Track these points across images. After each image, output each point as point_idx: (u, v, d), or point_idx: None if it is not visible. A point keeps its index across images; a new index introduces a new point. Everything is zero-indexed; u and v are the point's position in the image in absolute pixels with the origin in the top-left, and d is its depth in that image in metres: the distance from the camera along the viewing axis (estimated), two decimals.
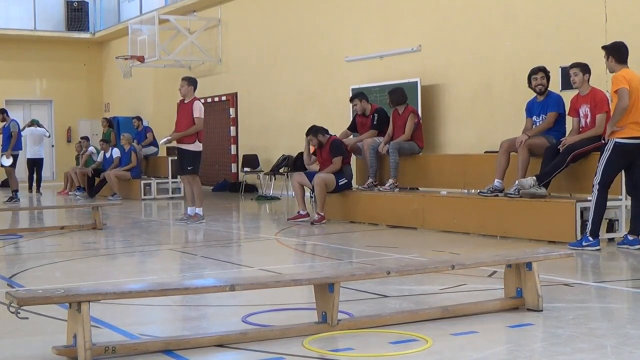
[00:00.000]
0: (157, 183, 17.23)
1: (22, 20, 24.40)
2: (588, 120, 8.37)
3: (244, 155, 18.55)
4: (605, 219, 8.02)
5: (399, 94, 11.08)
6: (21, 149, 17.17)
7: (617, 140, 7.53)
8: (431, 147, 13.06)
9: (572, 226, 8.04)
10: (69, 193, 18.42)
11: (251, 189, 18.12)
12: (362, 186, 11.20)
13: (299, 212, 11.03)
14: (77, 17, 25.34)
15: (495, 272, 6.12)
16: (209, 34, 20.21)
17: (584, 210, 8.01)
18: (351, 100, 11.91)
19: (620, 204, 8.18)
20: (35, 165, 19.01)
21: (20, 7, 24.53)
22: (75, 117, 25.81)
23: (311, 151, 11.49)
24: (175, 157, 12.25)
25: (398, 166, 10.73)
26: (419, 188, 11.14)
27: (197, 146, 11.11)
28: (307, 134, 11.13)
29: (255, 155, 18.13)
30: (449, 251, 7.92)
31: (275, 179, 16.94)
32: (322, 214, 10.77)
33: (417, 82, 13.42)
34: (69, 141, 25.47)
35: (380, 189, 10.81)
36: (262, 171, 17.65)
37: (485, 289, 5.65)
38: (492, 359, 3.89)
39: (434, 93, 13.54)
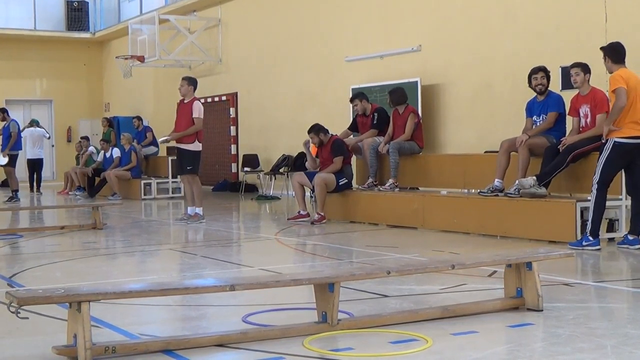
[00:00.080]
0: (157, 183, 17.23)
1: (22, 20, 24.41)
2: (588, 120, 8.37)
3: (244, 155, 18.55)
4: (606, 218, 8.03)
5: (400, 94, 11.09)
6: (20, 149, 17.15)
7: (617, 139, 7.54)
8: (431, 147, 13.06)
9: (572, 226, 8.04)
10: (69, 193, 18.42)
11: (251, 188, 18.12)
12: (362, 186, 11.20)
13: (299, 212, 11.02)
14: (77, 17, 25.35)
15: (495, 272, 6.12)
16: (209, 34, 20.21)
17: (584, 210, 8.01)
18: (351, 100, 11.91)
19: (620, 204, 8.18)
20: (35, 165, 18.99)
21: (20, 7, 24.54)
22: (75, 117, 25.82)
23: (312, 152, 11.48)
24: (175, 157, 12.25)
25: (398, 166, 10.73)
26: (419, 188, 11.14)
27: (196, 146, 11.11)
28: (310, 131, 11.13)
29: (256, 155, 18.14)
30: (449, 251, 7.92)
31: (275, 178, 16.94)
32: (322, 213, 10.77)
33: (417, 82, 13.43)
34: (69, 141, 25.48)
35: (381, 188, 10.81)
36: (262, 171, 17.65)
37: (485, 288, 5.65)
38: (492, 358, 3.88)
39: (434, 93, 13.54)
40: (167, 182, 17.26)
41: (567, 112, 8.84)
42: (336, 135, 11.33)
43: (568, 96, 9.00)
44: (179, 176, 13.62)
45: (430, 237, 9.28)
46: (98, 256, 8.37)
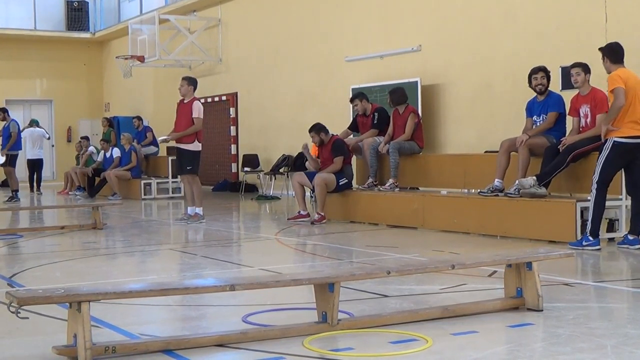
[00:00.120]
0: (157, 183, 17.23)
1: (22, 20, 24.41)
2: (588, 120, 8.37)
3: (244, 155, 18.55)
4: (606, 218, 8.03)
5: (400, 94, 11.09)
6: (20, 149, 17.15)
7: (616, 139, 7.54)
8: (431, 147, 13.06)
9: (572, 226, 8.04)
10: (69, 193, 18.42)
11: (251, 188, 18.12)
12: (362, 186, 11.20)
13: (299, 212, 11.02)
14: (77, 16, 25.35)
15: (495, 272, 6.12)
16: (209, 34, 20.21)
17: (584, 210, 8.01)
18: (351, 100, 11.91)
19: (620, 204, 8.18)
20: (35, 165, 18.99)
21: (20, 7, 24.54)
22: (75, 116, 25.82)
23: (312, 152, 11.48)
24: (175, 157, 12.25)
25: (398, 166, 10.73)
26: (419, 188, 11.15)
27: (196, 146, 11.11)
28: (311, 130, 11.13)
29: (256, 155, 18.14)
30: (449, 251, 7.92)
31: (275, 178, 16.94)
32: (322, 213, 10.77)
33: (417, 82, 13.43)
34: (69, 141, 25.48)
35: (381, 188, 10.81)
36: (262, 171, 17.65)
37: (485, 288, 5.65)
38: (492, 358, 3.88)
39: (434, 93, 13.54)
40: (167, 182, 17.26)
41: (567, 112, 8.85)
42: (337, 135, 11.33)
43: (568, 96, 9.00)
44: (178, 176, 13.63)
45: (430, 237, 9.28)
46: (98, 256, 8.37)
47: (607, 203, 7.76)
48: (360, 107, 11.48)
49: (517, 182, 8.62)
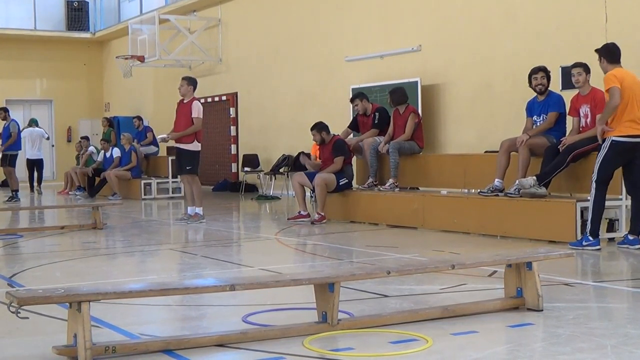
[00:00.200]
0: (157, 183, 17.23)
1: (22, 20, 24.41)
2: (588, 120, 8.37)
3: (244, 155, 18.55)
4: (606, 218, 8.03)
5: (400, 94, 11.09)
6: (20, 149, 17.15)
7: (614, 138, 7.54)
8: (431, 147, 13.06)
9: (572, 226, 8.03)
10: (69, 193, 18.42)
11: (251, 188, 18.12)
12: (362, 186, 11.20)
13: (299, 212, 11.02)
14: (77, 16, 25.34)
15: (495, 272, 6.12)
16: (209, 34, 20.21)
17: (584, 210, 8.00)
18: (352, 100, 11.90)
19: (620, 204, 8.18)
20: (35, 165, 18.99)
21: (20, 7, 24.54)
22: (75, 116, 25.82)
23: (312, 152, 11.48)
24: (175, 157, 12.24)
25: (398, 166, 10.73)
26: (419, 188, 11.14)
27: (195, 146, 11.10)
28: (312, 128, 11.13)
29: (256, 155, 18.14)
30: (449, 251, 7.92)
31: (275, 178, 16.94)
32: (322, 213, 10.77)
33: (417, 81, 13.43)
34: (69, 141, 25.48)
35: (381, 188, 10.81)
36: (262, 171, 17.65)
37: (485, 288, 5.65)
38: (492, 358, 3.89)
39: (434, 93, 13.54)
40: (167, 182, 17.26)
41: (567, 112, 8.85)
42: (338, 135, 11.33)
43: (568, 96, 9.00)
44: (178, 176, 13.62)
45: (430, 237, 9.28)
46: (98, 256, 8.37)
47: (607, 203, 7.76)
48: (361, 107, 11.48)
49: (517, 182, 8.62)
